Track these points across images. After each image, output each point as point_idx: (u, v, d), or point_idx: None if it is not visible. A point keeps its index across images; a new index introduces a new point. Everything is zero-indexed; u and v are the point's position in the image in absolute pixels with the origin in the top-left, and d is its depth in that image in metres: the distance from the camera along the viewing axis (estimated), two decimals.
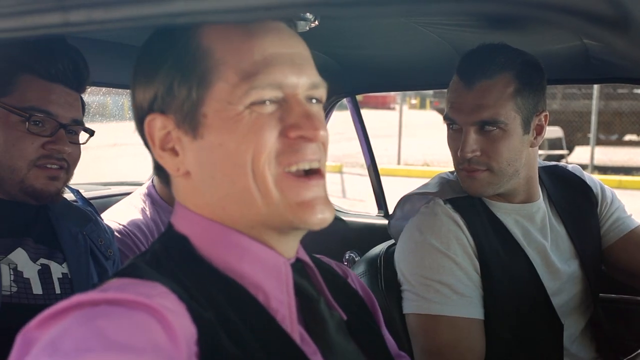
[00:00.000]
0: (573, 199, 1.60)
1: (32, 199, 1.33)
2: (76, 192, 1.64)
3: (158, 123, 0.79)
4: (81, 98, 1.42)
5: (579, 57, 1.66)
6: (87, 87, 1.42)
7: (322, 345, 0.81)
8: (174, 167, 0.80)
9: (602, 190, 1.66)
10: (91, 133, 1.43)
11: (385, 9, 0.48)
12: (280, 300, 0.78)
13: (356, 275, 1.06)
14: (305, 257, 0.89)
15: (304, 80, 0.78)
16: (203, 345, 0.66)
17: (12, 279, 1.27)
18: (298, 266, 0.85)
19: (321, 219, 0.77)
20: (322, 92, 0.83)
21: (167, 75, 0.78)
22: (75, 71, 1.34)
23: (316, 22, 1.36)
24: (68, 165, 1.35)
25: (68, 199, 1.51)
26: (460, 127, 1.41)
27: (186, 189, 0.82)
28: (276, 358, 0.73)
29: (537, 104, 1.42)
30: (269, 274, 0.79)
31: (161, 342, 0.61)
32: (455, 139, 1.44)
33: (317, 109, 0.80)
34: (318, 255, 1.00)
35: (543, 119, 1.45)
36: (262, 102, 0.75)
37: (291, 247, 0.83)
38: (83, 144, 1.41)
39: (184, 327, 0.66)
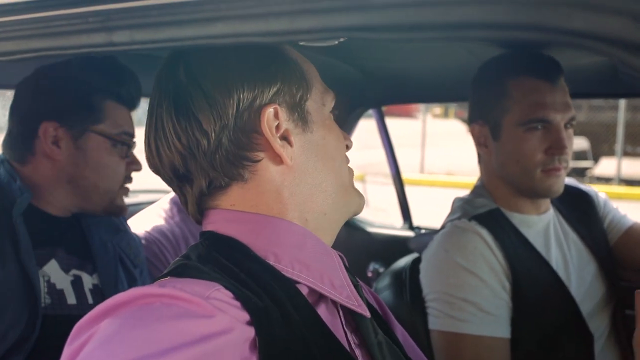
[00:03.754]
0: (576, 205, 1.61)
1: (108, 214, 1.44)
2: None
3: (272, 114, 0.82)
4: None
5: (607, 72, 1.65)
6: None
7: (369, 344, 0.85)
8: (288, 157, 0.83)
9: (596, 194, 1.70)
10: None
11: (424, 34, 0.49)
12: (342, 281, 0.84)
13: (367, 287, 1.08)
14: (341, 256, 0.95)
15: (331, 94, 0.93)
16: (260, 334, 0.69)
17: (46, 291, 1.28)
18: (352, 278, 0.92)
19: (362, 202, 0.95)
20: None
21: (285, 72, 0.85)
22: (137, 93, 1.44)
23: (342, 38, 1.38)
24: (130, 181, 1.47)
25: None
26: (549, 126, 1.39)
27: (271, 183, 0.83)
28: (322, 346, 0.76)
29: None
30: (326, 260, 0.85)
31: (207, 339, 0.64)
32: (542, 140, 1.40)
33: None
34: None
35: None
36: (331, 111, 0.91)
37: (330, 241, 0.91)
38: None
39: (237, 325, 0.68)
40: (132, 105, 1.44)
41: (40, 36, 0.70)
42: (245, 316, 0.70)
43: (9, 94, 1.45)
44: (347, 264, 0.92)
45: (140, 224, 1.80)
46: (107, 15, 0.63)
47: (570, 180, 1.72)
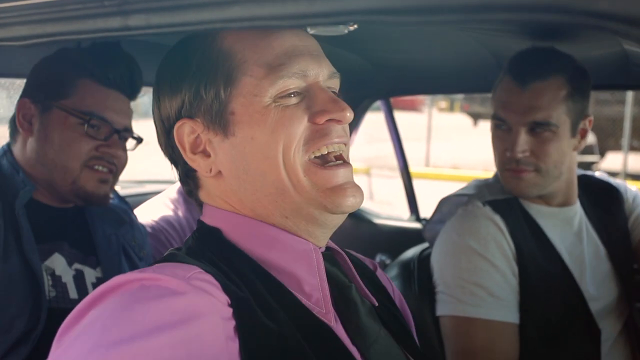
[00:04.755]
0: (603, 203, 1.60)
1: (82, 201, 1.37)
2: (113, 191, 1.67)
3: (187, 128, 0.83)
4: (131, 109, 1.45)
5: (619, 64, 1.64)
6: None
7: (353, 329, 0.83)
8: (206, 169, 0.83)
9: (626, 189, 1.68)
10: (139, 140, 1.46)
11: (443, 17, 0.49)
12: (313, 285, 0.81)
13: (383, 272, 1.08)
14: (336, 247, 0.92)
15: (324, 69, 0.83)
16: (239, 319, 0.70)
17: (50, 283, 1.29)
18: (328, 255, 0.88)
19: (352, 202, 0.81)
20: (337, 83, 0.87)
21: (193, 81, 0.81)
22: (130, 78, 1.38)
23: (355, 25, 1.37)
24: (117, 169, 1.39)
25: None
26: (509, 127, 1.41)
27: (217, 189, 0.85)
28: (307, 335, 0.76)
29: (585, 108, 1.43)
30: (300, 261, 0.82)
31: (188, 322, 0.65)
32: (503, 139, 1.43)
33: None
34: (348, 250, 1.02)
35: (587, 124, 1.46)
36: (287, 95, 0.79)
37: (322, 238, 0.86)
38: (131, 150, 1.44)
39: (217, 305, 0.69)
40: (116, 87, 1.36)
41: (55, 20, 0.70)
42: (226, 298, 0.71)
43: (18, 83, 1.46)
44: (348, 259, 0.90)
45: (147, 213, 1.80)
46: None
47: (600, 174, 1.71)
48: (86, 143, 1.32)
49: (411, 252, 1.70)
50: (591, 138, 11.04)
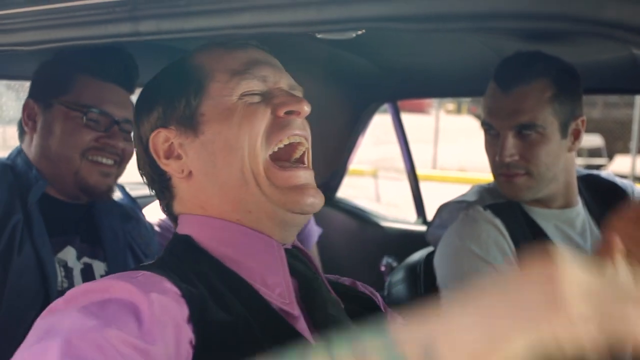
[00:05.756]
0: (609, 203, 1.59)
1: (85, 194, 1.39)
2: (121, 189, 1.68)
3: (161, 137, 0.90)
4: (131, 102, 1.47)
5: (627, 67, 1.64)
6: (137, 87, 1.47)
7: (321, 318, 0.85)
8: (178, 170, 0.89)
9: (633, 190, 1.66)
10: None
11: (451, 24, 0.49)
12: (276, 278, 0.84)
13: (366, 286, 1.08)
14: (302, 247, 0.95)
15: (284, 79, 0.91)
16: (195, 318, 0.73)
17: (63, 274, 1.32)
18: (294, 252, 0.92)
19: (312, 202, 0.86)
20: (299, 94, 0.92)
21: (166, 94, 0.89)
22: (126, 71, 1.41)
23: (362, 30, 1.37)
24: (121, 160, 1.41)
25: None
26: (497, 132, 1.42)
27: (189, 192, 0.90)
28: (261, 323, 0.78)
29: (575, 109, 1.42)
30: (262, 255, 0.85)
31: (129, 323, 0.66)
32: (493, 144, 1.44)
33: None
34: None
35: (580, 124, 1.45)
36: (251, 94, 0.86)
37: (284, 237, 0.89)
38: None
39: (171, 308, 0.71)
40: (113, 80, 1.39)
41: (66, 26, 0.70)
42: (177, 291, 0.74)
43: (27, 86, 1.48)
44: (312, 259, 0.93)
45: (155, 212, 1.81)
46: (134, 4, 0.63)
47: (608, 175, 1.71)
48: (86, 134, 1.35)
49: (418, 255, 1.70)
50: (599, 141, 11.00)
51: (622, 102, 10.98)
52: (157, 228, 1.71)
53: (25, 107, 1.39)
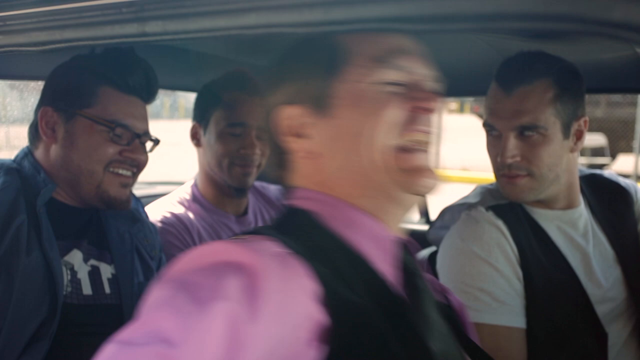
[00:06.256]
0: (611, 204, 1.59)
1: (105, 205, 1.40)
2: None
3: (287, 113, 0.89)
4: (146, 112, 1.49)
5: (631, 67, 1.63)
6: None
7: (419, 316, 0.85)
8: (304, 149, 0.88)
9: (636, 190, 1.66)
10: (156, 142, 1.49)
11: (457, 25, 0.50)
12: (386, 271, 0.84)
13: (439, 282, 1.10)
14: (411, 240, 0.95)
15: (423, 70, 0.89)
16: (328, 299, 0.72)
17: (69, 278, 1.33)
18: (404, 245, 0.92)
19: (430, 183, 0.87)
20: (436, 86, 0.92)
21: (303, 69, 0.88)
22: (148, 84, 1.42)
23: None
24: (138, 171, 1.43)
25: None
26: (499, 133, 1.41)
27: (311, 170, 0.90)
28: (387, 310, 0.78)
29: (577, 109, 1.42)
30: (377, 246, 0.86)
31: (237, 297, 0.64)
32: (495, 145, 1.44)
33: None
34: None
35: (583, 124, 1.44)
36: (387, 84, 0.85)
37: (399, 218, 0.91)
38: (150, 152, 1.48)
39: (297, 282, 0.70)
40: (135, 93, 1.40)
41: (73, 27, 0.71)
42: (308, 272, 0.73)
43: (31, 85, 1.48)
44: (412, 250, 0.94)
45: (157, 211, 1.82)
46: (140, 5, 0.64)
47: (611, 174, 1.70)
48: (111, 148, 1.36)
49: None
50: (602, 140, 10.97)
51: (625, 101, 10.95)
52: (159, 224, 1.73)
53: (44, 115, 1.37)
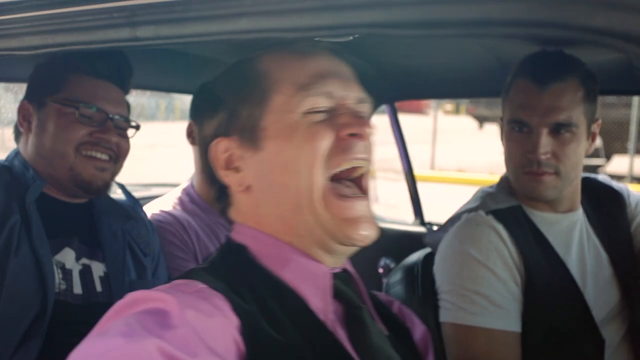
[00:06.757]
0: (605, 207, 1.59)
1: (81, 190, 1.40)
2: (122, 187, 1.68)
3: (222, 146, 0.87)
4: (126, 100, 1.49)
5: (623, 69, 1.64)
6: (132, 87, 1.51)
7: (362, 349, 0.84)
8: (236, 183, 0.87)
9: (629, 193, 1.66)
10: (137, 127, 1.50)
11: (444, 31, 0.50)
12: (318, 307, 0.83)
13: (404, 308, 1.08)
14: (352, 269, 0.92)
15: (352, 93, 0.87)
16: (246, 333, 0.72)
17: (61, 277, 1.33)
18: (343, 276, 0.89)
19: (365, 235, 0.82)
20: (367, 107, 0.89)
21: (231, 102, 0.87)
22: (119, 69, 1.43)
23: (358, 35, 1.38)
24: (117, 156, 1.42)
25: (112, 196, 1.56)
26: (529, 129, 1.39)
27: (246, 204, 0.88)
28: (314, 346, 0.77)
29: (595, 111, 1.43)
30: (311, 283, 0.83)
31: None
32: (522, 142, 1.41)
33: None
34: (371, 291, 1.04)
35: (597, 127, 1.45)
36: (315, 112, 0.82)
37: (332, 263, 0.87)
38: (131, 137, 1.48)
39: (219, 321, 0.71)
40: (105, 77, 1.41)
41: (65, 31, 0.71)
42: (231, 308, 0.74)
43: (24, 88, 1.49)
44: (362, 285, 0.93)
45: (153, 210, 1.83)
46: (132, 10, 0.64)
47: (603, 178, 1.70)
48: (79, 128, 1.36)
49: (415, 256, 1.71)
50: (597, 141, 10.96)
51: (620, 102, 10.98)
52: (157, 222, 1.73)
53: (21, 109, 1.41)
